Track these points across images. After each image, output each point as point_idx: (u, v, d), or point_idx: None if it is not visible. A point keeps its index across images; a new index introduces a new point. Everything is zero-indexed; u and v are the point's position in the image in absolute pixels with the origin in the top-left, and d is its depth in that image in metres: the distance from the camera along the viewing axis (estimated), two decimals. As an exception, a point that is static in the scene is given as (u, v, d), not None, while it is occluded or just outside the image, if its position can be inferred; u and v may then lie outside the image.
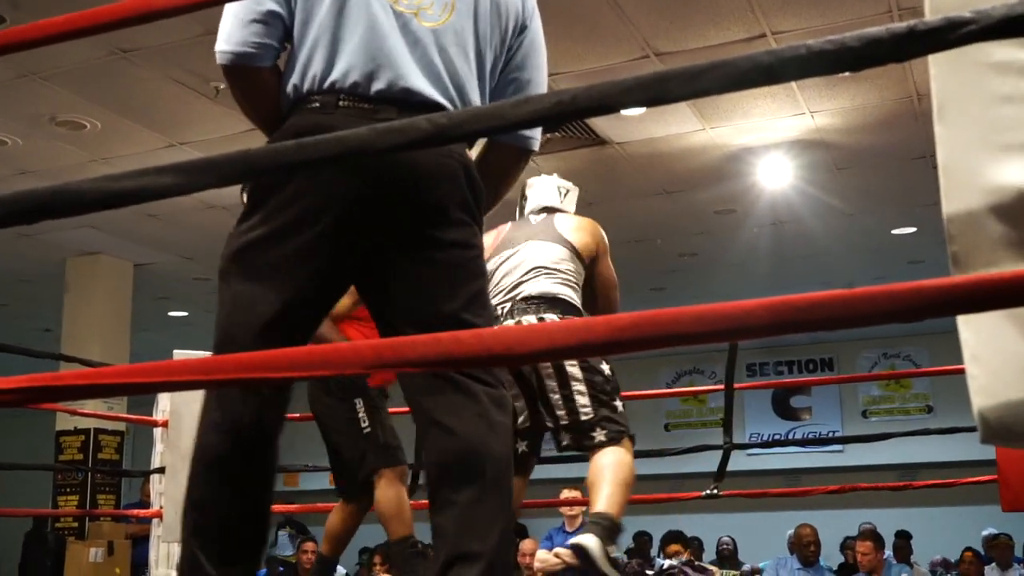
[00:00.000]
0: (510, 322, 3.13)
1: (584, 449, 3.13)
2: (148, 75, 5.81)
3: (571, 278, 3.26)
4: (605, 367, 3.21)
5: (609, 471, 2.99)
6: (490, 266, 3.19)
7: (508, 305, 3.18)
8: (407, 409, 1.97)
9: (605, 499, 2.93)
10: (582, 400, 3.11)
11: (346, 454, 3.62)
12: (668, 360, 13.19)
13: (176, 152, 6.81)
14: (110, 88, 5.98)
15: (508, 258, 3.29)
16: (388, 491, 3.50)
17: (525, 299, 3.16)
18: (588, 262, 3.34)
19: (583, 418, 3.10)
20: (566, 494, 7.12)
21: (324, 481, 14.00)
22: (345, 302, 3.27)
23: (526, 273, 3.22)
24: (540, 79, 2.12)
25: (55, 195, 1.16)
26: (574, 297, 3.24)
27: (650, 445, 11.51)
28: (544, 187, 3.52)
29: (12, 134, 6.51)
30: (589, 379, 3.14)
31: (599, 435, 3.07)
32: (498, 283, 3.24)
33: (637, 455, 5.95)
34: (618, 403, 3.19)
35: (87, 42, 5.10)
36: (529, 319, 3.13)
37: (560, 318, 3.11)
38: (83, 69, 5.66)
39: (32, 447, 9.87)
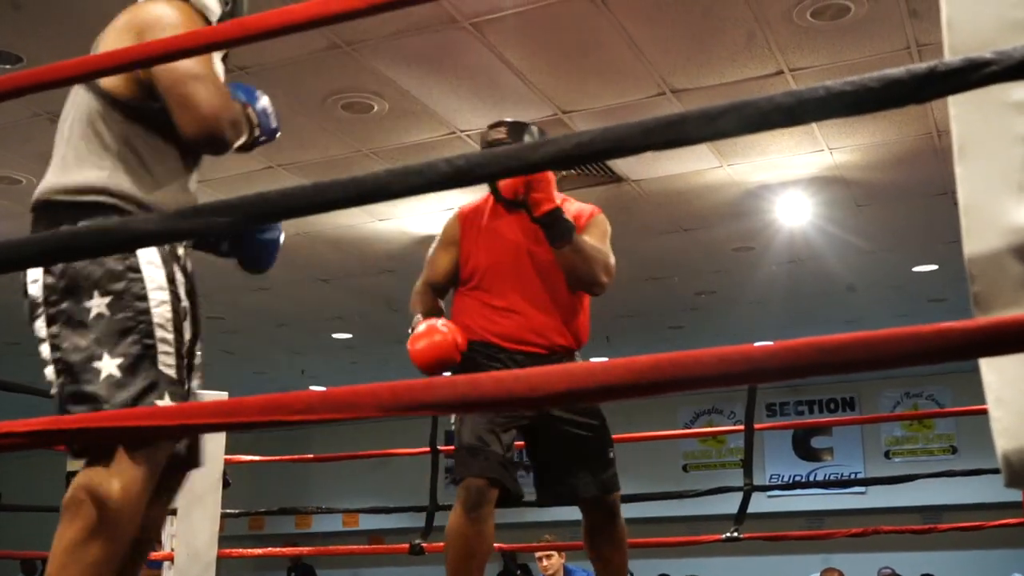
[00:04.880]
0: None
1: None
2: (167, 115, 5.85)
3: None
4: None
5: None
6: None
7: None
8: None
9: None
10: None
11: None
12: (686, 399, 13.11)
13: (196, 192, 6.83)
14: (130, 128, 6.01)
15: None
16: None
17: None
18: None
19: None
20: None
21: (337, 523, 14.00)
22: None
23: None
24: None
25: (127, 228, 1.16)
26: None
27: (668, 486, 11.48)
28: None
29: (28, 172, 6.56)
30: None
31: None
32: None
33: (655, 496, 5.89)
34: None
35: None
36: None
37: None
38: (105, 110, 5.70)
39: (44, 488, 9.86)
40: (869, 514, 11.36)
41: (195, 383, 2.26)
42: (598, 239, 3.04)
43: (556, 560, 6.66)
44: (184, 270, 2.21)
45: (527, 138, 3.02)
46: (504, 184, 2.90)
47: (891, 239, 8.11)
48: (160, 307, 2.06)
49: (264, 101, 2.33)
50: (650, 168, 6.70)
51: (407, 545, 4.34)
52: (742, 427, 4.42)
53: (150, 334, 2.02)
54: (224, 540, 4.54)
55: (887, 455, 12.59)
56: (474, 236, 3.10)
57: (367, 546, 9.56)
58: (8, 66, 4.92)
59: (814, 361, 0.91)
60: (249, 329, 10.33)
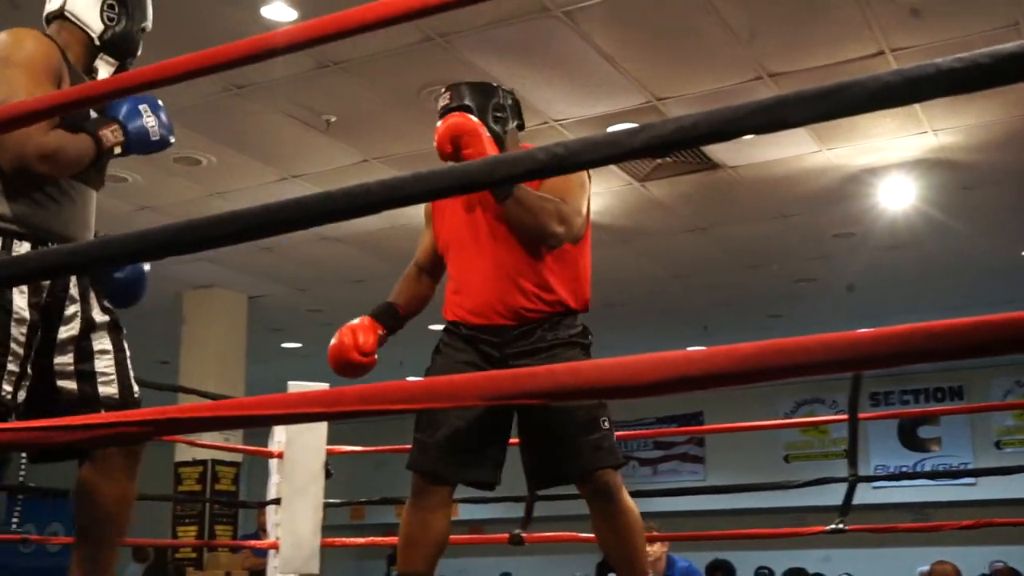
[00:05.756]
0: None
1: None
2: (261, 110, 5.97)
3: None
4: None
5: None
6: None
7: None
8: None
9: None
10: None
11: None
12: (786, 389, 12.90)
13: (289, 185, 6.98)
14: (224, 124, 6.16)
15: None
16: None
17: None
18: None
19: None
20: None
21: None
22: None
23: None
24: None
25: (282, 209, 1.19)
26: None
27: (770, 477, 11.32)
28: None
29: (133, 171, 6.76)
30: None
31: None
32: None
33: (756, 487, 5.79)
34: None
35: (202, 80, 5.28)
36: None
37: None
38: (199, 106, 5.85)
39: (152, 477, 10.14)
40: (979, 506, 11.01)
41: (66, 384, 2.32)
42: (557, 189, 2.73)
43: (658, 547, 6.63)
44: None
45: (471, 99, 2.82)
46: (436, 144, 2.69)
47: (997, 222, 7.86)
48: None
49: (144, 118, 2.41)
50: (747, 154, 6.60)
51: (507, 535, 4.35)
52: (845, 416, 4.33)
53: None
54: (326, 529, 4.61)
55: (997, 445, 12.21)
56: (441, 211, 2.92)
57: (467, 536, 9.65)
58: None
59: (923, 347, 0.88)
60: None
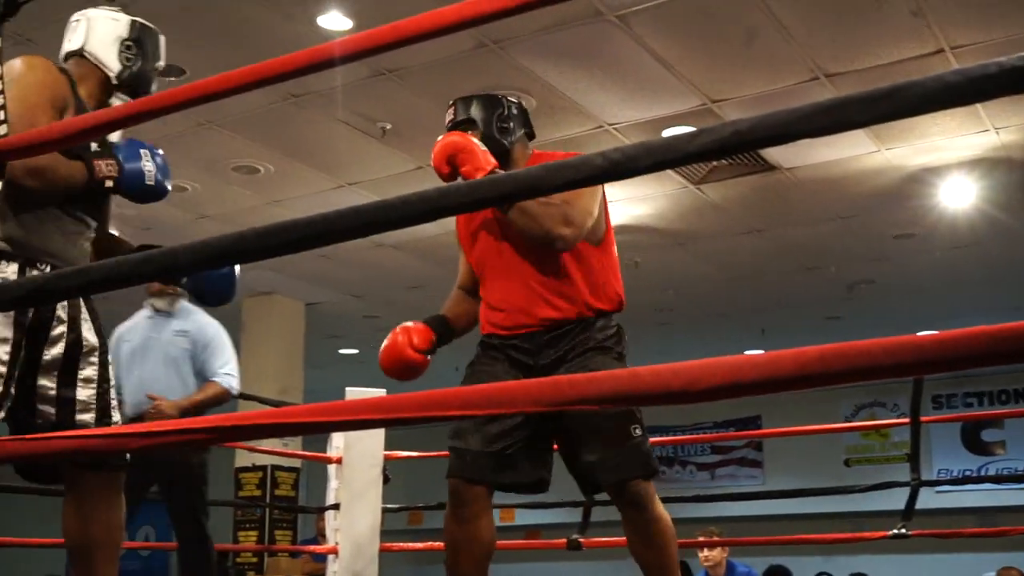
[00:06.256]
0: None
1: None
2: (317, 118, 6.03)
3: None
4: None
5: None
6: None
7: None
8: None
9: None
10: None
11: None
12: (846, 392, 12.73)
13: (346, 192, 7.04)
14: (282, 132, 6.24)
15: None
16: None
17: None
18: None
19: None
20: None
21: (495, 518, 14.14)
22: None
23: None
24: None
25: (380, 211, 1.20)
26: None
27: (829, 482, 11.19)
28: None
29: (192, 180, 6.86)
30: None
31: None
32: None
33: (816, 492, 5.73)
34: None
35: (260, 89, 5.35)
36: None
37: None
38: (257, 115, 5.93)
39: (213, 483, 10.28)
40: (1047, 511, 10.80)
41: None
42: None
43: (718, 552, 6.59)
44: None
45: (475, 111, 2.89)
46: (433, 165, 2.79)
47: (1063, 222, 7.69)
48: None
49: (142, 161, 2.45)
50: (804, 155, 6.53)
51: (564, 540, 4.35)
52: (907, 420, 4.27)
53: None
54: (384, 534, 4.64)
55: (1064, 448, 11.96)
56: (470, 234, 2.96)
57: (524, 541, 9.64)
58: (173, 78, 5.15)
59: (989, 350, 0.87)
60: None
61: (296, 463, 9.15)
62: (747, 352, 9.45)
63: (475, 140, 2.72)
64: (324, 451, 4.91)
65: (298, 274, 8.80)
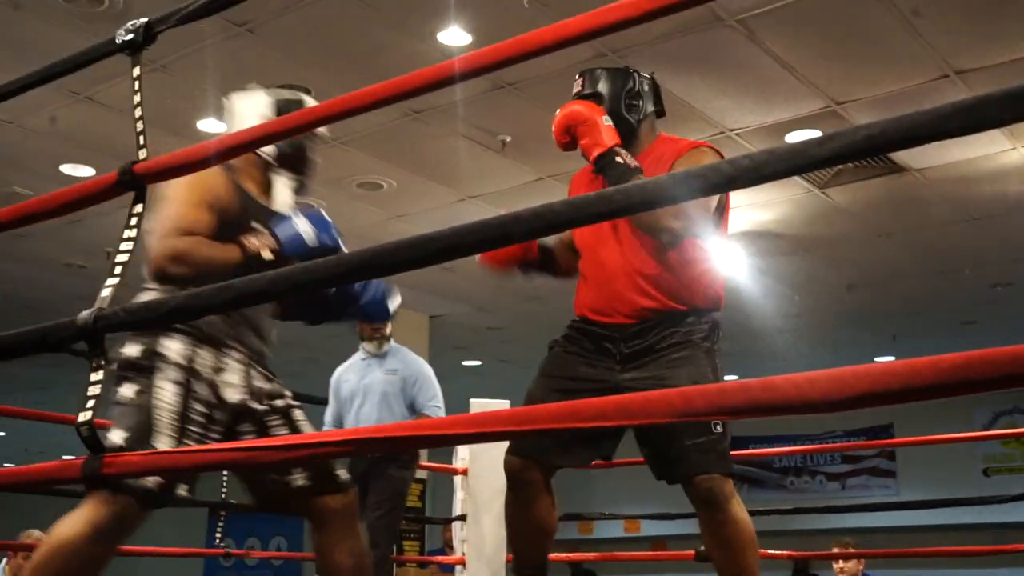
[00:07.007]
0: None
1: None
2: (438, 133, 6.11)
3: None
4: None
5: None
6: None
7: None
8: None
9: None
10: None
11: None
12: (983, 399, 12.26)
13: (467, 206, 7.11)
14: (404, 148, 6.34)
15: None
16: None
17: None
18: None
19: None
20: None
21: (619, 529, 14.03)
22: None
23: None
24: None
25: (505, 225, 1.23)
26: None
27: (967, 492, 10.78)
28: None
29: (318, 197, 7.03)
30: None
31: None
32: None
33: (953, 503, 5.50)
34: None
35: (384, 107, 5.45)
36: None
37: None
38: (379, 132, 6.04)
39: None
40: None
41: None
42: None
43: (853, 564, 6.43)
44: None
45: (603, 85, 2.76)
46: (554, 133, 2.65)
47: None
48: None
49: (295, 223, 2.51)
50: (934, 155, 6.34)
51: (692, 552, 4.29)
52: (1052, 428, 4.09)
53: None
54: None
55: None
56: None
57: (649, 552, 9.56)
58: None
59: None
60: (524, 339, 10.60)
61: (423, 474, 9.26)
62: (877, 359, 9.20)
63: (599, 113, 2.62)
64: (450, 462, 4.97)
65: (422, 287, 8.93)
